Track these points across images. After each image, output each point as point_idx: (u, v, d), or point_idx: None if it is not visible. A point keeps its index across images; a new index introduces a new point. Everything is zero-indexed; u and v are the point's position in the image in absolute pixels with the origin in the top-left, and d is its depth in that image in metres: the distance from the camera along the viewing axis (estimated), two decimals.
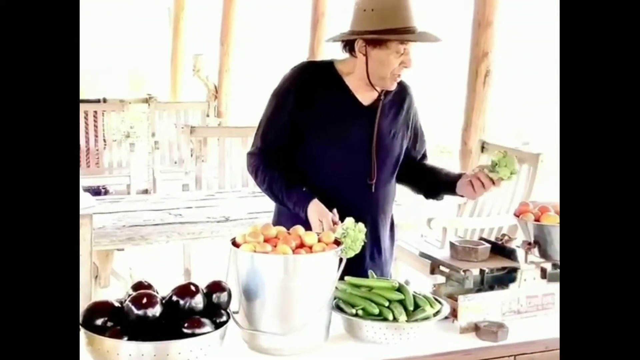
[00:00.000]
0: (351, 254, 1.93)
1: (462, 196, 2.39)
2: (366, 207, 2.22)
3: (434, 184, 2.43)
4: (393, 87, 2.26)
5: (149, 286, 1.77)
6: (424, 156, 2.51)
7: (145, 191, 6.04)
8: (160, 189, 5.77)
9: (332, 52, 2.41)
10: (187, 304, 1.71)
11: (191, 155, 4.89)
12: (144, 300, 1.66)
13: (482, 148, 4.31)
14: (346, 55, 2.27)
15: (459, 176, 2.32)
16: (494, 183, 2.19)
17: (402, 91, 2.38)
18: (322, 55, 6.98)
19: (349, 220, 1.95)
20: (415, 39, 2.17)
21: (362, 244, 1.95)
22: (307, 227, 2.04)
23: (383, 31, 2.15)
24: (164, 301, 1.70)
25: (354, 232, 1.93)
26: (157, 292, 1.74)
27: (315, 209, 2.15)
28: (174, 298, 1.71)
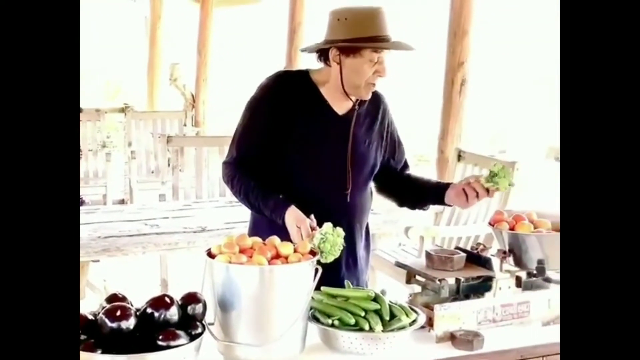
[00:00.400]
0: (331, 258, 1.93)
1: (450, 205, 2.40)
2: (341, 216, 2.21)
3: (420, 194, 2.44)
4: (368, 96, 2.27)
5: (123, 298, 1.75)
6: (406, 166, 2.51)
7: (122, 201, 6.00)
8: (137, 199, 5.72)
9: (309, 61, 2.42)
10: (162, 316, 1.70)
11: (168, 165, 4.86)
12: (118, 313, 1.64)
13: (459, 157, 4.33)
14: (321, 65, 2.28)
15: (447, 186, 2.34)
16: (488, 193, 2.20)
17: (377, 101, 2.39)
18: (300, 64, 7.00)
19: (328, 225, 1.96)
20: (389, 47, 2.18)
21: (342, 248, 1.96)
22: (283, 236, 2.04)
23: (356, 39, 2.16)
24: (138, 313, 1.69)
25: (333, 237, 1.94)
26: (132, 304, 1.73)
27: (293, 215, 2.14)
28: (149, 310, 1.70)
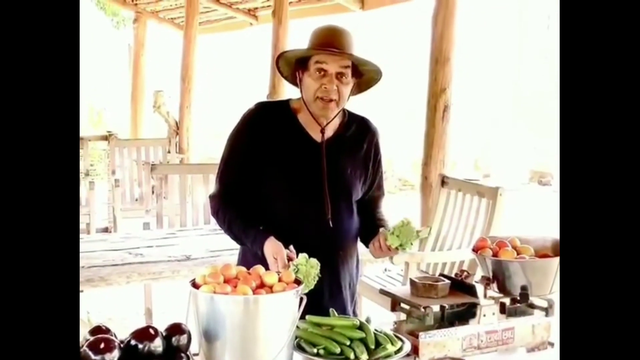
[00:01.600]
0: (304, 290, 1.94)
1: None
2: (323, 244, 2.21)
3: (366, 233, 2.41)
4: (325, 112, 2.25)
5: (107, 330, 1.74)
6: (375, 205, 2.48)
7: (106, 229, 5.96)
8: (121, 228, 5.70)
9: (292, 87, 2.45)
10: (146, 347, 1.69)
11: (152, 193, 4.85)
12: (102, 345, 1.63)
13: (443, 182, 4.35)
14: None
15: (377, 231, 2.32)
16: (390, 250, 2.21)
17: (364, 130, 2.41)
18: (283, 90, 7.04)
19: (302, 256, 1.97)
20: (323, 51, 2.18)
21: (316, 279, 1.96)
22: (267, 264, 2.06)
23: (304, 51, 2.22)
24: (122, 345, 1.68)
25: (306, 268, 1.95)
26: (116, 336, 1.72)
27: (271, 246, 2.16)
28: (133, 342, 1.70)
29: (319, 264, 1.97)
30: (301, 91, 2.29)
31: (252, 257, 2.26)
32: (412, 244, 2.18)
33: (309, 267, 1.95)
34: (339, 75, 2.21)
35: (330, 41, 2.20)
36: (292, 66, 2.30)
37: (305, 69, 2.24)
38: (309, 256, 2.00)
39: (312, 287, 1.95)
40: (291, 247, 2.12)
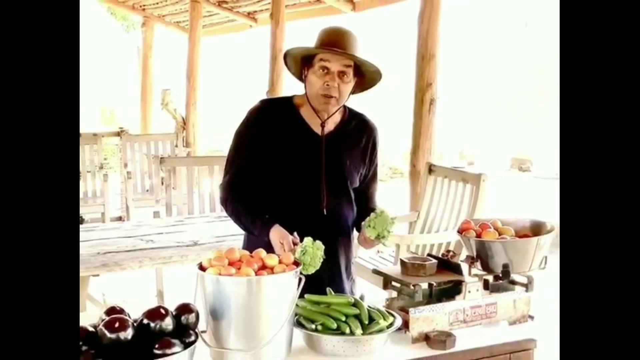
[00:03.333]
0: (311, 270, 1.94)
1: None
2: (319, 229, 2.18)
3: (358, 222, 2.38)
4: (326, 108, 2.25)
5: (121, 311, 1.74)
6: (369, 194, 2.46)
7: (119, 218, 5.96)
8: (133, 216, 5.69)
9: (290, 84, 2.44)
10: (158, 326, 1.69)
11: (162, 184, 4.85)
12: (116, 325, 1.63)
13: (430, 170, 4.36)
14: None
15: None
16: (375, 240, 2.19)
17: (364, 126, 2.40)
18: (281, 87, 7.03)
19: (308, 239, 1.97)
20: (327, 50, 2.18)
21: (322, 259, 1.96)
22: (272, 249, 2.06)
23: (309, 49, 2.22)
24: (135, 324, 1.68)
25: (312, 249, 1.95)
26: (129, 316, 1.72)
27: (277, 233, 2.16)
28: (145, 321, 1.69)
29: (323, 247, 1.98)
30: (305, 87, 2.28)
31: (255, 241, 2.25)
32: (388, 231, 2.15)
33: (315, 249, 1.95)
34: (341, 74, 2.20)
35: (334, 41, 2.19)
36: (299, 63, 2.29)
37: (310, 66, 2.24)
38: None
39: (318, 267, 1.95)
40: (295, 233, 2.12)
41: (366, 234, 2.17)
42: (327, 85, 2.20)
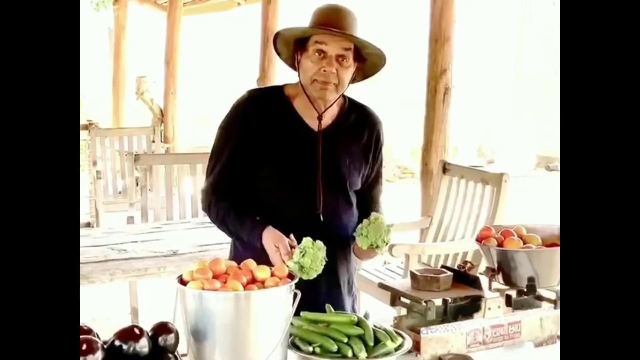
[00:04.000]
0: (313, 274, 1.95)
1: None
2: (314, 237, 2.17)
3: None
4: (323, 94, 2.23)
5: (89, 331, 1.74)
6: (372, 198, 2.47)
7: (88, 225, 5.98)
8: (103, 222, 5.70)
9: (284, 70, 2.44)
10: (131, 348, 1.69)
11: (136, 185, 4.85)
12: (84, 347, 1.63)
13: (444, 169, 4.35)
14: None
15: None
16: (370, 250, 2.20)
17: (367, 120, 2.39)
18: (274, 74, 7.03)
19: (307, 240, 1.97)
20: (325, 31, 2.16)
21: (324, 262, 1.97)
22: (264, 259, 2.05)
23: (304, 30, 2.21)
24: (105, 346, 1.68)
25: (313, 250, 1.95)
26: (98, 337, 1.72)
27: (270, 235, 2.15)
28: (117, 343, 1.69)
29: (325, 247, 1.98)
30: (299, 74, 2.27)
31: (243, 251, 2.25)
32: (384, 241, 2.14)
33: (316, 250, 1.96)
34: (340, 58, 2.19)
35: (331, 21, 2.17)
36: (291, 47, 2.28)
37: (304, 49, 2.22)
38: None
39: (319, 271, 1.96)
40: (291, 235, 2.11)
41: (358, 244, 2.17)
42: (324, 70, 2.18)
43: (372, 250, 2.18)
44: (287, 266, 1.98)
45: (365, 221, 2.16)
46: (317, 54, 2.19)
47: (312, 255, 1.95)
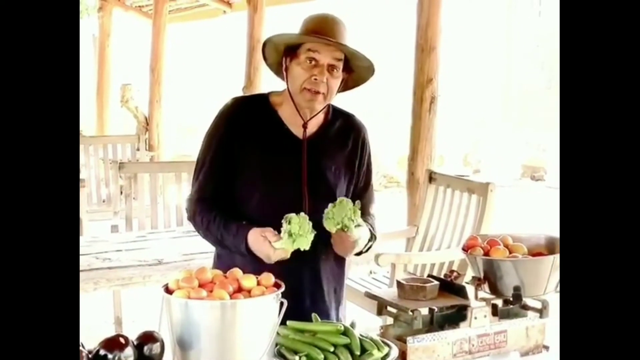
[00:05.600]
0: (304, 242, 1.96)
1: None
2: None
3: None
4: (312, 105, 2.24)
5: None
6: (363, 211, 2.41)
7: None
8: (87, 231, 5.66)
9: (270, 77, 2.44)
10: (116, 357, 1.69)
11: (120, 193, 4.84)
12: None
13: (430, 178, 4.37)
14: (284, 84, 2.30)
15: None
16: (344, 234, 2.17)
17: (351, 128, 2.40)
18: (259, 83, 7.04)
19: (290, 214, 2.00)
20: (318, 39, 2.17)
21: (313, 233, 1.99)
22: (247, 269, 2.04)
23: (297, 37, 2.21)
24: (90, 356, 1.68)
25: (299, 218, 1.97)
26: (83, 346, 1.71)
27: (257, 231, 2.13)
28: (102, 352, 1.69)
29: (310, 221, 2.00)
30: (287, 81, 2.27)
31: (228, 260, 2.24)
32: (351, 219, 2.11)
33: (302, 220, 1.98)
34: (331, 68, 2.20)
35: (325, 30, 2.18)
36: (280, 54, 2.27)
37: (294, 56, 2.22)
38: (285, 263, 2.03)
39: (310, 240, 1.98)
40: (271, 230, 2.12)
41: (326, 227, 2.12)
42: (315, 79, 2.19)
43: (345, 235, 2.14)
44: (278, 247, 2.00)
45: (330, 205, 2.13)
46: (308, 62, 2.19)
47: (298, 222, 1.96)
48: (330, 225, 2.11)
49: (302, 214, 2.00)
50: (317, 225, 2.18)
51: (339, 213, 2.10)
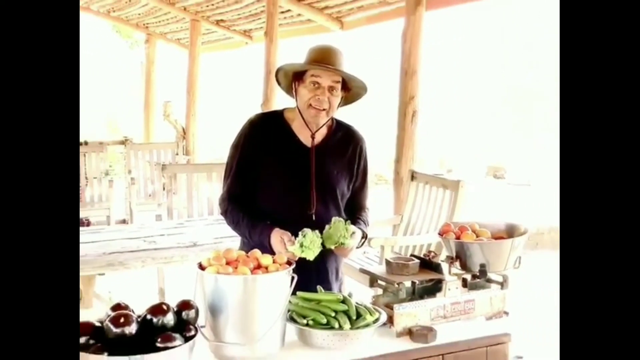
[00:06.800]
0: (310, 254, 1.96)
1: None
2: None
3: None
4: (316, 119, 2.24)
5: (126, 307, 1.73)
6: (357, 206, 2.44)
7: (123, 221, 5.93)
8: (136, 220, 5.66)
9: (283, 98, 2.44)
10: (160, 321, 1.68)
11: (163, 189, 4.82)
12: (122, 320, 1.62)
13: (412, 177, 4.37)
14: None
15: None
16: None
17: (351, 138, 2.39)
18: (275, 101, 7.02)
19: (305, 229, 2.01)
20: (319, 66, 2.17)
21: (320, 247, 1.98)
22: (265, 251, 2.05)
23: (302, 65, 2.21)
24: (139, 320, 1.67)
25: (311, 236, 1.98)
26: (134, 312, 1.71)
27: (278, 232, 2.16)
28: (148, 316, 1.68)
29: (321, 236, 2.00)
30: (296, 100, 2.28)
31: (249, 245, 2.24)
32: (345, 236, 2.12)
33: (314, 236, 1.98)
34: (331, 88, 2.21)
35: (324, 58, 2.19)
36: (290, 78, 2.29)
37: (301, 80, 2.24)
38: None
39: (316, 253, 1.98)
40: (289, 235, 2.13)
41: (326, 246, 2.12)
42: (318, 98, 2.20)
43: (342, 247, 2.15)
44: (290, 250, 2.00)
45: (327, 227, 2.14)
46: (312, 85, 2.20)
47: (310, 237, 1.97)
48: (329, 244, 2.12)
49: (317, 232, 2.01)
50: (321, 219, 2.19)
51: (335, 233, 2.12)
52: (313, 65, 2.19)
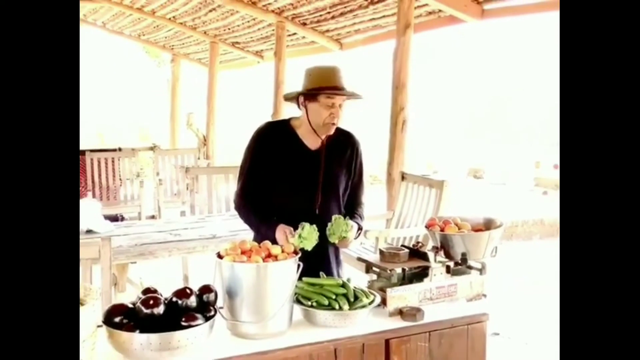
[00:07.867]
0: (308, 245, 1.95)
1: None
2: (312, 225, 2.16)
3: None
4: (330, 132, 2.27)
5: (155, 291, 1.74)
6: (355, 202, 2.44)
7: (152, 217, 5.94)
8: (163, 215, 5.67)
9: (290, 109, 2.44)
10: (184, 303, 1.69)
11: (187, 189, 4.83)
12: (151, 302, 1.63)
13: (402, 177, 4.36)
14: (300, 110, 2.31)
15: None
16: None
17: (346, 140, 2.39)
18: (283, 111, 7.02)
19: (304, 223, 2.01)
20: (336, 94, 2.19)
21: (317, 240, 1.98)
22: (275, 242, 2.06)
23: (314, 89, 2.21)
24: (166, 302, 1.68)
25: (309, 228, 1.98)
26: (161, 295, 1.71)
27: (282, 227, 2.16)
28: (174, 299, 1.69)
29: (317, 232, 2.00)
30: (306, 112, 2.26)
31: (262, 236, 2.24)
32: (346, 231, 2.14)
33: (312, 229, 1.98)
34: (340, 105, 2.23)
35: (335, 81, 2.20)
36: (295, 96, 2.29)
37: (313, 99, 2.23)
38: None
39: (314, 244, 1.98)
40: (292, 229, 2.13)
41: (330, 240, 2.15)
42: (333, 115, 2.22)
43: (342, 241, 2.18)
44: (291, 242, 1.99)
45: (329, 224, 2.16)
46: (327, 105, 2.21)
47: (308, 230, 1.97)
48: (332, 239, 2.14)
49: (314, 226, 2.00)
50: (323, 213, 2.20)
51: (337, 229, 2.13)
52: (329, 91, 2.19)
